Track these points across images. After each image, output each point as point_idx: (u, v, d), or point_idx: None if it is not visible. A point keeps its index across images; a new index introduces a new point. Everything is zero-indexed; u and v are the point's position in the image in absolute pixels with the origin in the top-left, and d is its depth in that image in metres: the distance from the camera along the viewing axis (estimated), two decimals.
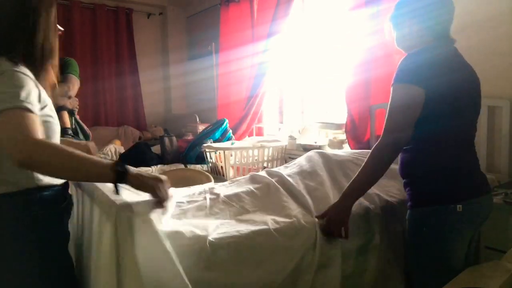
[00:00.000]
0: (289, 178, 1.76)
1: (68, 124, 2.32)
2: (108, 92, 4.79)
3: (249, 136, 3.92)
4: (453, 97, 1.34)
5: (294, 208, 1.56)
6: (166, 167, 3.29)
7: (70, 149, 0.98)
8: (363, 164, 1.43)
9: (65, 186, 1.21)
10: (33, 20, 1.09)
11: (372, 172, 1.43)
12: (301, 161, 2.00)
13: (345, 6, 2.93)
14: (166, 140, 3.51)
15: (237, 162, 2.81)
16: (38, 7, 1.10)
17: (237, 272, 1.26)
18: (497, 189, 1.93)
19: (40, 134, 0.96)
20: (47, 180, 1.12)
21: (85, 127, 2.58)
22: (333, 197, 1.65)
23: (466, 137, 1.44)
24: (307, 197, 1.63)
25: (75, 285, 1.25)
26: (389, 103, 1.37)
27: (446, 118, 1.34)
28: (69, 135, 2.28)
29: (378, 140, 1.40)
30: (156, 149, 3.61)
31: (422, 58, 1.35)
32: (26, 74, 1.05)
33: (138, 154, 3.43)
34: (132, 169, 1.04)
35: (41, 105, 1.08)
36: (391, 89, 1.36)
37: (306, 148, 3.15)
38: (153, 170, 3.27)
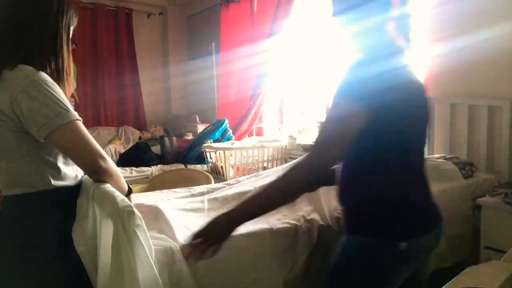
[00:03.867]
0: None
1: None
2: (108, 92, 4.79)
3: (249, 136, 3.92)
4: (402, 120, 1.10)
5: (301, 208, 1.55)
6: (166, 167, 3.29)
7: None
8: (275, 179, 1.12)
9: (78, 187, 1.20)
10: (41, 28, 1.09)
11: (285, 194, 1.12)
12: None
13: None
14: (166, 140, 3.51)
15: (237, 162, 2.81)
16: (46, 16, 1.10)
17: (232, 274, 1.25)
18: (497, 189, 1.93)
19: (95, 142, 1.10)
20: (62, 182, 1.12)
21: None
22: (332, 196, 1.65)
23: (415, 163, 1.20)
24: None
25: (87, 285, 1.25)
26: (326, 119, 1.12)
27: (392, 141, 1.11)
28: None
29: (303, 158, 1.13)
30: (156, 149, 3.61)
31: (374, 71, 1.08)
32: (51, 80, 1.06)
33: (138, 154, 3.43)
34: None
35: None
36: (333, 99, 1.10)
37: (306, 148, 3.15)
38: (153, 170, 3.27)
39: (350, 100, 1.06)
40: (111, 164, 1.12)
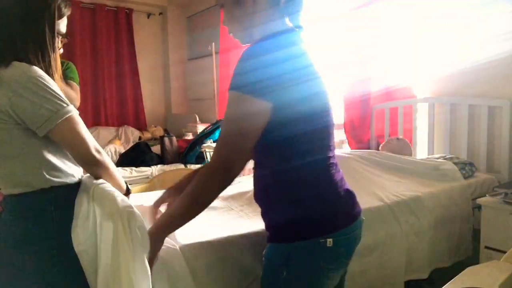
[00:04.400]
0: None
1: None
2: (108, 92, 4.79)
3: None
4: (306, 109, 1.01)
5: None
6: (166, 167, 3.30)
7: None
8: (186, 190, 1.05)
9: (78, 185, 1.19)
10: (35, 26, 1.09)
11: (196, 203, 1.05)
12: None
13: (345, 6, 2.93)
14: (166, 140, 3.52)
15: None
16: (38, 11, 1.10)
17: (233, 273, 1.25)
18: (497, 189, 1.93)
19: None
20: (59, 179, 1.12)
21: None
22: None
23: (322, 154, 1.08)
24: None
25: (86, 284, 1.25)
26: (224, 118, 1.01)
27: (294, 134, 1.01)
28: None
29: (208, 163, 1.06)
30: (156, 149, 3.61)
31: (272, 57, 0.97)
32: (46, 75, 1.07)
33: (138, 154, 3.43)
34: None
35: None
36: (228, 95, 0.99)
37: None
38: (153, 170, 3.27)
39: (245, 93, 0.95)
40: (106, 157, 1.13)
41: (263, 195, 1.12)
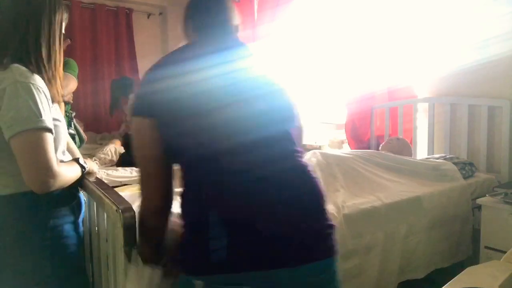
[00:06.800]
0: None
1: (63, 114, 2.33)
2: (108, 92, 4.79)
3: None
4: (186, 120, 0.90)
5: None
6: None
7: (70, 169, 1.15)
8: None
9: (74, 184, 1.20)
10: (35, 26, 1.09)
11: (148, 233, 0.98)
12: None
13: (346, 7, 2.93)
14: None
15: None
16: (39, 13, 1.10)
17: None
18: (497, 189, 1.93)
19: (54, 155, 1.04)
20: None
21: (82, 132, 2.60)
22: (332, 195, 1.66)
23: (223, 172, 0.89)
24: None
25: (86, 285, 1.25)
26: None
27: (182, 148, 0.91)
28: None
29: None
30: None
31: (155, 75, 0.93)
32: (37, 84, 1.05)
33: None
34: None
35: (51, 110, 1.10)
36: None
37: (306, 148, 3.15)
38: None
39: (134, 114, 0.92)
40: (58, 181, 1.05)
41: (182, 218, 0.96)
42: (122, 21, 4.86)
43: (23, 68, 1.04)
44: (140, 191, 0.95)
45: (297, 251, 0.85)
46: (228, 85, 0.93)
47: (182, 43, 1.05)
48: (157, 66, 0.95)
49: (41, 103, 1.02)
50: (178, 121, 0.89)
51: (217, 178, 0.88)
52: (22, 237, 1.09)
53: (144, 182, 0.94)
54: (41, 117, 1.01)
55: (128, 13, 4.91)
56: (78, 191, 1.25)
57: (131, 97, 0.94)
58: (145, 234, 0.98)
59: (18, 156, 1.00)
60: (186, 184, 0.93)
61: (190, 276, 0.87)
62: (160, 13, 5.20)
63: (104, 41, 4.73)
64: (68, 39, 1.22)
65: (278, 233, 0.85)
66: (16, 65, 1.04)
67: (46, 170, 1.00)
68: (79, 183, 1.24)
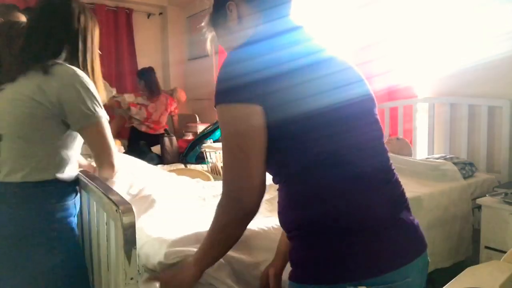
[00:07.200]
0: None
1: None
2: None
3: None
4: (315, 108, 0.80)
5: None
6: (166, 167, 3.29)
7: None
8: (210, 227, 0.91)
9: (76, 180, 1.25)
10: (82, 37, 1.24)
11: (218, 241, 0.90)
12: None
13: (346, 7, 2.93)
14: (166, 140, 3.52)
15: None
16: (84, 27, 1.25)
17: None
18: (497, 189, 1.93)
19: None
20: (62, 176, 1.17)
21: None
22: None
23: (357, 169, 0.82)
24: None
25: (86, 280, 1.26)
26: (221, 142, 0.86)
27: (314, 140, 0.80)
28: None
29: (221, 198, 0.87)
30: (156, 149, 3.61)
31: (247, 57, 0.82)
32: (88, 79, 1.19)
33: (138, 154, 3.43)
34: None
35: None
36: (217, 112, 0.83)
37: None
38: None
39: (235, 104, 0.79)
40: (118, 164, 1.27)
41: (284, 219, 0.89)
42: (122, 21, 4.87)
43: (74, 67, 1.16)
44: (226, 195, 0.84)
45: (421, 239, 0.92)
46: (336, 72, 0.92)
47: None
48: (245, 52, 0.84)
49: (97, 96, 1.19)
50: (283, 105, 0.80)
51: (345, 181, 0.81)
52: (25, 230, 1.11)
53: (240, 181, 0.82)
54: (102, 109, 1.19)
55: (128, 13, 4.92)
56: (77, 186, 1.29)
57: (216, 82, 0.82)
58: (222, 244, 0.90)
59: (92, 142, 1.19)
60: (295, 193, 0.84)
61: (352, 282, 0.77)
62: (160, 13, 5.20)
63: (104, 41, 4.72)
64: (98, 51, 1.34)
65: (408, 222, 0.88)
66: (66, 64, 1.16)
67: (112, 153, 1.23)
68: (79, 180, 1.27)
